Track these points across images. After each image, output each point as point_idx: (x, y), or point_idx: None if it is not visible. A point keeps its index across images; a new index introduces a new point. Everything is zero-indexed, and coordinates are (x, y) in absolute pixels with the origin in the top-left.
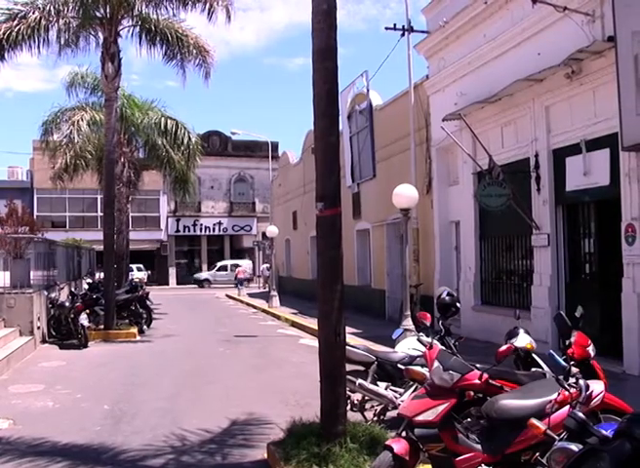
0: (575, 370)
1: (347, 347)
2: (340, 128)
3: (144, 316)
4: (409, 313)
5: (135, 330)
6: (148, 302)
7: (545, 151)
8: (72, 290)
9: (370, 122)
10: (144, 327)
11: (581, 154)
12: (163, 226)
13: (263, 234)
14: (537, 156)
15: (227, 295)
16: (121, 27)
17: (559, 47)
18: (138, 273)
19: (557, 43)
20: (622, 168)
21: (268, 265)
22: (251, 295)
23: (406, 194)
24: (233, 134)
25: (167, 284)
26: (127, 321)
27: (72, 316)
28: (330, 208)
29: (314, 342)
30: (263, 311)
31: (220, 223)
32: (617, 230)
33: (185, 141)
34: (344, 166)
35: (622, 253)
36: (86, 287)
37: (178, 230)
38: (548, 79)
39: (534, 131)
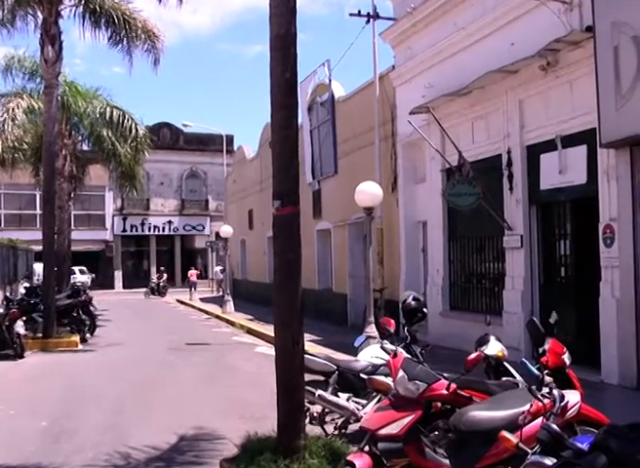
0: (549, 379)
1: (306, 356)
2: (300, 120)
3: (87, 323)
4: (372, 319)
5: (76, 338)
6: (92, 308)
7: (519, 147)
8: (7, 295)
9: (332, 115)
10: (87, 335)
11: (557, 151)
12: (108, 225)
13: (217, 234)
14: (509, 153)
15: (178, 300)
16: (62, 7)
17: (534, 37)
18: (80, 276)
19: (532, 32)
20: (600, 165)
21: (222, 267)
22: (203, 300)
23: (370, 192)
24: (185, 126)
25: (112, 288)
26: (68, 328)
27: (7, 324)
28: (288, 206)
29: (271, 350)
30: (217, 317)
31: (170, 222)
32: (594, 231)
33: (133, 133)
34: (304, 161)
35: (600, 256)
36: (23, 291)
37: (124, 230)
38: (522, 71)
39: (506, 126)
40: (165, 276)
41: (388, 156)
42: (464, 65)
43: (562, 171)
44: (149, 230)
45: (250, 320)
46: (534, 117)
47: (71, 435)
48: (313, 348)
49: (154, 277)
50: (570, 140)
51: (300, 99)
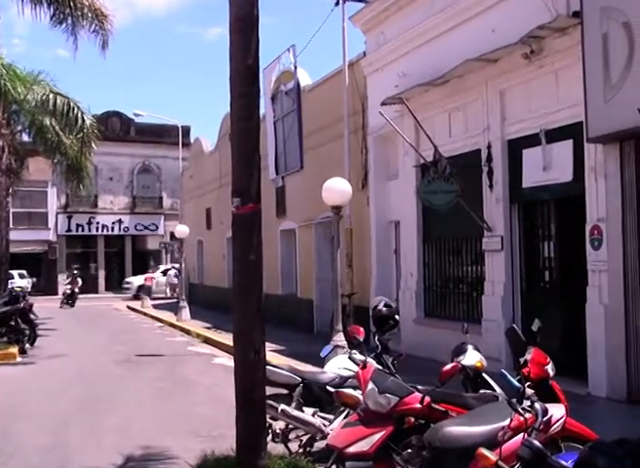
0: (530, 391)
1: (268, 367)
2: (263, 111)
3: (27, 333)
4: (341, 327)
5: (15, 349)
6: (32, 316)
7: (499, 142)
8: None
9: (297, 105)
10: (27, 346)
11: (541, 146)
12: (51, 225)
13: (172, 234)
14: (489, 147)
15: (129, 307)
16: None
17: (517, 23)
18: (19, 281)
19: (514, 18)
20: (587, 162)
21: (177, 271)
22: (156, 307)
23: (338, 189)
24: (137, 115)
25: (56, 293)
26: (5, 339)
27: None
28: (248, 204)
29: (230, 362)
30: (171, 325)
31: (120, 221)
32: (580, 233)
33: (79, 123)
34: (267, 155)
35: (587, 259)
36: None
37: (69, 229)
38: (504, 59)
39: (486, 118)
40: (79, 282)
41: (358, 150)
42: (441, 53)
43: (546, 167)
44: (97, 230)
45: (207, 328)
46: (516, 109)
47: (8, 457)
48: (276, 359)
49: (67, 282)
50: (555, 135)
51: (262, 88)
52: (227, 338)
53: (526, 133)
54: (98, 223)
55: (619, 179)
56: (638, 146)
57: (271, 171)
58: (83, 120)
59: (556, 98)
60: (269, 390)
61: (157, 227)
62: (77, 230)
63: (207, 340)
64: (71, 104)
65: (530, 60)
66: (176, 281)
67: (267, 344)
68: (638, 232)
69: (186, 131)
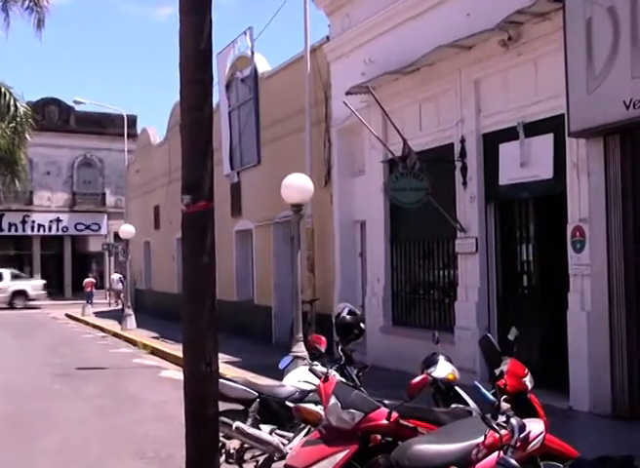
0: (506, 405)
1: (221, 380)
2: (217, 99)
3: None
4: (301, 336)
5: None
6: None
7: (474, 136)
8: None
9: (254, 93)
10: None
11: (518, 140)
12: None
13: (116, 235)
14: (463, 141)
15: (68, 315)
16: None
17: (493, 6)
18: None
19: (491, 1)
20: (569, 158)
21: (122, 275)
22: (99, 315)
23: (298, 186)
24: (77, 103)
25: None
26: None
27: None
28: (200, 201)
29: (180, 375)
30: (115, 335)
31: (58, 220)
32: (561, 234)
33: (12, 111)
34: (221, 148)
35: (569, 262)
36: None
37: (1, 229)
38: (479, 46)
39: (460, 110)
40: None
41: (321, 144)
42: (412, 38)
43: (524, 163)
44: (32, 230)
45: (155, 338)
46: (492, 100)
47: None
48: (230, 371)
49: None
50: (534, 128)
51: (216, 74)
52: (177, 349)
53: (503, 126)
54: (33, 222)
55: (602, 177)
56: (624, 141)
57: (226, 165)
58: (16, 107)
59: (535, 89)
60: (222, 406)
61: (100, 227)
62: (10, 230)
63: (154, 351)
64: (2, 90)
65: (507, 48)
66: (120, 286)
67: (221, 355)
68: (623, 233)
69: (132, 121)
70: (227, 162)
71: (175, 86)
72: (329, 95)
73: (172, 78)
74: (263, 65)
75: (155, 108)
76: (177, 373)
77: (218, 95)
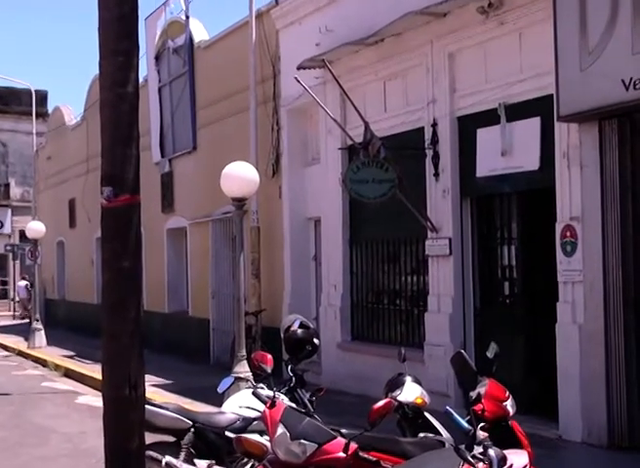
0: (483, 434)
1: (149, 407)
2: (144, 73)
3: None
4: (244, 354)
5: None
6: None
7: (447, 119)
8: None
9: (189, 66)
10: None
11: (499, 125)
12: None
13: (22, 234)
14: (435, 126)
15: None
16: None
17: None
18: None
19: None
20: (559, 146)
21: (29, 282)
22: (1, 330)
23: (241, 176)
24: None
25: None
26: None
27: None
28: (123, 195)
29: (99, 401)
30: (20, 354)
31: None
32: (550, 234)
33: None
34: (149, 132)
35: (558, 268)
36: None
37: None
38: (454, 14)
39: (431, 89)
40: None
41: (268, 127)
42: (376, 3)
43: (506, 152)
44: None
45: (69, 357)
46: (469, 78)
47: None
48: (159, 396)
49: None
50: (518, 111)
51: (143, 43)
52: (95, 370)
53: (481, 108)
54: None
55: (597, 168)
56: (622, 127)
57: (155, 152)
58: None
59: (520, 65)
60: (150, 437)
61: (2, 224)
62: None
63: (68, 373)
64: None
65: (487, 16)
66: (27, 296)
67: (148, 377)
68: (621, 234)
69: (42, 97)
70: (157, 148)
71: (94, 57)
72: (277, 69)
73: (90, 48)
74: (200, 33)
75: (70, 83)
76: (95, 399)
77: (145, 68)
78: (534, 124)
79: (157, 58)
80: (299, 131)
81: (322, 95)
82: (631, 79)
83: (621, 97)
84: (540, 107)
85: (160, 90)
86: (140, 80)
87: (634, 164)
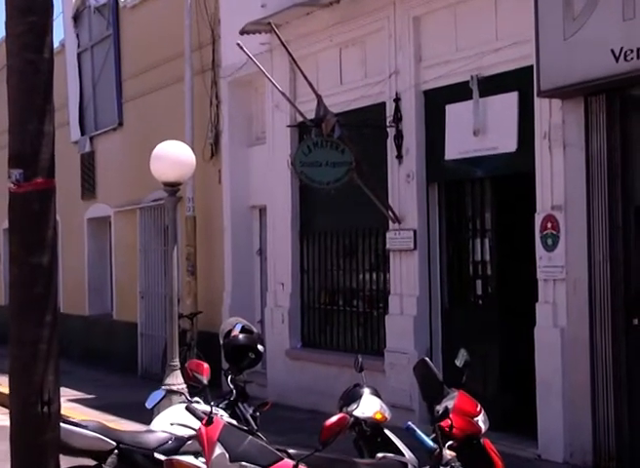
0: (450, 454)
1: (65, 426)
2: (60, 37)
3: None
4: (177, 363)
5: None
6: None
7: (412, 93)
8: None
9: (114, 29)
10: None
11: (471, 100)
12: None
13: None
14: (397, 100)
15: None
16: None
17: None
18: None
19: None
20: (539, 124)
21: None
22: None
23: (174, 158)
24: None
25: None
26: None
27: None
28: (35, 178)
29: (5, 419)
30: None
31: None
32: (528, 226)
33: None
34: (67, 105)
35: (537, 264)
36: None
37: None
38: None
39: (394, 58)
40: None
41: (206, 101)
42: None
43: (479, 131)
44: None
45: None
46: (437, 46)
47: None
48: (78, 412)
49: None
50: (492, 84)
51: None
52: (2, 383)
53: (451, 80)
54: None
55: (583, 150)
56: (611, 103)
57: (74, 129)
58: None
59: (495, 32)
60: (67, 461)
61: None
62: None
63: None
64: None
65: None
66: None
67: (64, 390)
68: (609, 226)
69: None
70: (76, 124)
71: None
72: (217, 34)
73: None
74: None
75: None
76: (2, 418)
77: (62, 30)
78: (511, 99)
79: (76, 18)
80: (241, 105)
81: (268, 64)
82: (622, 49)
83: (610, 70)
84: (518, 81)
85: (79, 56)
86: (56, 44)
87: (624, 146)
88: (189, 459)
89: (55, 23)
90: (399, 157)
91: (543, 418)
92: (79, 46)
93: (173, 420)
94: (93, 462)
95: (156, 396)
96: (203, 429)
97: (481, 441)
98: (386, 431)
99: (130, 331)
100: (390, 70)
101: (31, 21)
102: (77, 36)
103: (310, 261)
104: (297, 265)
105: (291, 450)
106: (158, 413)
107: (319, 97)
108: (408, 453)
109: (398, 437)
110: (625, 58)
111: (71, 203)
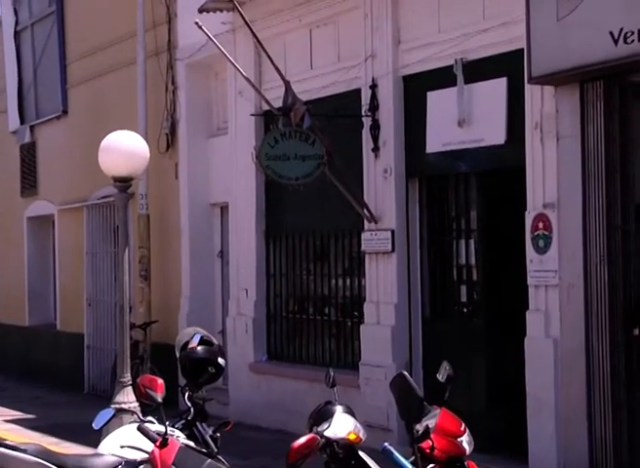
0: None
1: (0, 449)
2: None
3: None
4: (128, 378)
5: None
6: None
7: (390, 79)
8: None
9: (58, 5)
10: None
11: (456, 87)
12: None
13: None
14: (374, 87)
15: None
16: None
17: None
18: None
19: None
20: (530, 114)
21: None
22: None
23: (126, 150)
24: None
25: None
26: None
27: None
28: None
29: None
30: None
31: None
32: (518, 226)
33: None
34: (4, 91)
35: (527, 268)
36: None
37: None
38: None
39: (370, 40)
40: None
41: (161, 86)
42: None
43: (464, 121)
44: None
45: None
46: (417, 26)
47: None
48: (16, 434)
49: None
50: (479, 69)
51: None
52: None
53: (433, 65)
54: None
55: (578, 142)
56: (609, 91)
57: (12, 117)
58: None
59: (482, 11)
60: None
61: None
62: None
63: None
64: None
65: None
66: None
67: (0, 410)
68: (607, 226)
69: None
70: (15, 112)
71: None
72: (173, 11)
73: None
74: None
75: None
76: None
77: None
78: (499, 86)
79: None
80: (200, 91)
81: (231, 46)
82: (621, 30)
83: (609, 54)
84: (508, 65)
85: (18, 34)
86: None
87: (624, 137)
88: None
89: None
90: (375, 150)
91: (534, 438)
92: (17, 23)
93: (123, 442)
94: None
95: (105, 415)
96: (157, 452)
97: (465, 463)
98: (361, 453)
99: (75, 344)
100: (366, 54)
101: None
102: (15, 12)
103: (277, 265)
104: (262, 269)
105: None
106: (107, 435)
107: (287, 83)
108: None
109: (374, 460)
110: (625, 41)
111: (9, 199)
